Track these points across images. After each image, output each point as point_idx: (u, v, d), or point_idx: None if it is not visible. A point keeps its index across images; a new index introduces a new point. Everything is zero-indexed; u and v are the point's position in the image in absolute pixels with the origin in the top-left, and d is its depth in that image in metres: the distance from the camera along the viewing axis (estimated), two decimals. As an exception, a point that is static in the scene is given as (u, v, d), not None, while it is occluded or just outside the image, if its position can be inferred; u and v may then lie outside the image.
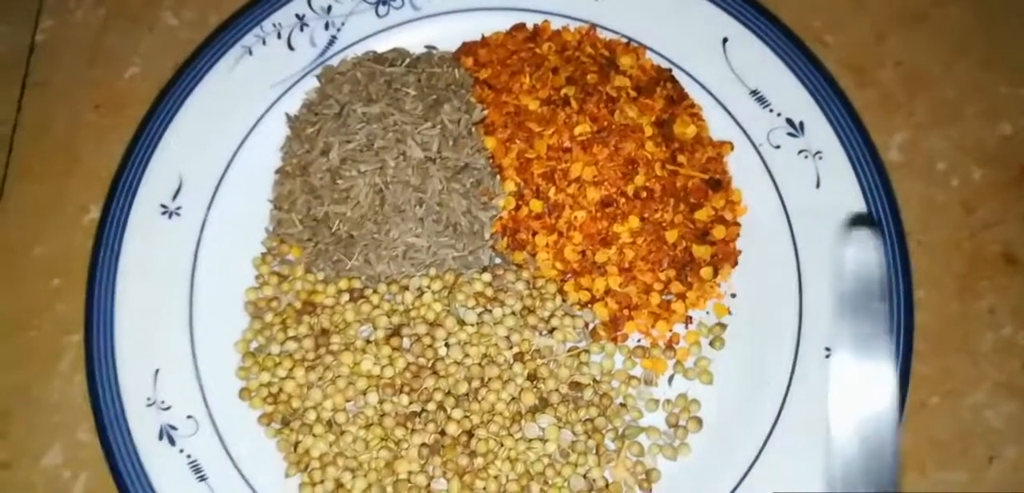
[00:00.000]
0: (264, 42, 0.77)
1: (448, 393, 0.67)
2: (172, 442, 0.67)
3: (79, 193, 0.77)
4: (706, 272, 0.69)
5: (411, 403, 0.67)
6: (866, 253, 0.52)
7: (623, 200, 0.69)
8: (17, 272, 0.75)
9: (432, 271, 0.70)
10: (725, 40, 0.74)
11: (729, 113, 0.73)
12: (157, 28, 0.83)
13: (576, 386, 0.67)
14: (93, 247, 0.72)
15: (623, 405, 0.68)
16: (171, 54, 0.80)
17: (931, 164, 0.74)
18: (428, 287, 0.70)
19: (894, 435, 0.50)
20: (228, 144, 0.75)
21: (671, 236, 0.69)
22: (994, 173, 0.74)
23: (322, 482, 0.66)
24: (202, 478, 0.66)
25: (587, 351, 0.69)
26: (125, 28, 0.83)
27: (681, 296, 0.69)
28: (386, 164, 0.70)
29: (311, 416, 0.67)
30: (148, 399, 0.68)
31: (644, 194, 0.69)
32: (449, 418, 0.66)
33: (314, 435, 0.67)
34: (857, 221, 0.68)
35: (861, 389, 0.51)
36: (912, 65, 0.77)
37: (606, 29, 0.76)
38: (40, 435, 0.70)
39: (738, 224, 0.70)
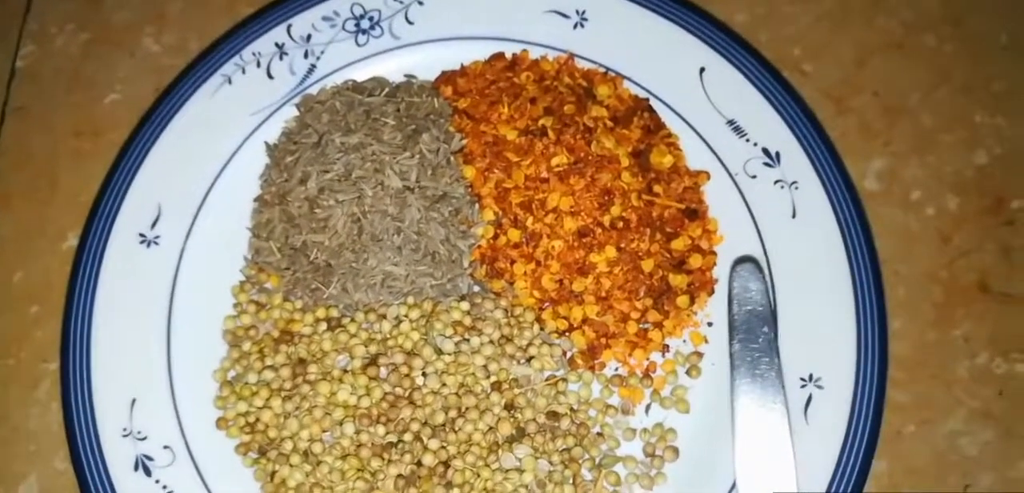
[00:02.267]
0: (244, 71, 0.77)
1: (425, 423, 0.67)
2: (148, 473, 0.66)
3: (58, 219, 0.77)
4: (683, 301, 0.69)
5: (387, 433, 0.67)
6: (752, 284, 0.64)
7: (600, 230, 0.69)
8: (-5, 298, 0.75)
9: (410, 300, 0.70)
10: (702, 70, 0.75)
11: (706, 142, 0.73)
12: (138, 54, 0.83)
13: (553, 416, 0.67)
14: (70, 275, 0.72)
15: (600, 434, 0.68)
16: (152, 80, 0.80)
17: (907, 193, 0.74)
18: (406, 316, 0.70)
19: (788, 439, 0.63)
20: (207, 172, 0.75)
21: (648, 265, 0.69)
22: (970, 202, 0.74)
23: (298, 513, 0.66)
24: (178, 509, 0.66)
25: (565, 380, 0.69)
26: (106, 54, 0.83)
27: (658, 325, 0.69)
28: (364, 193, 0.70)
29: (288, 446, 0.67)
30: (124, 429, 0.67)
31: (620, 224, 0.69)
32: (425, 449, 0.66)
33: (291, 465, 0.67)
34: (743, 259, 0.69)
35: (758, 404, 0.64)
36: (890, 93, 0.78)
37: (584, 58, 0.76)
38: (17, 464, 0.70)
39: (714, 253, 0.71)
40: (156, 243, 0.73)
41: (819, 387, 0.65)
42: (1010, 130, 0.76)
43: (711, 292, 0.70)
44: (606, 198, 0.69)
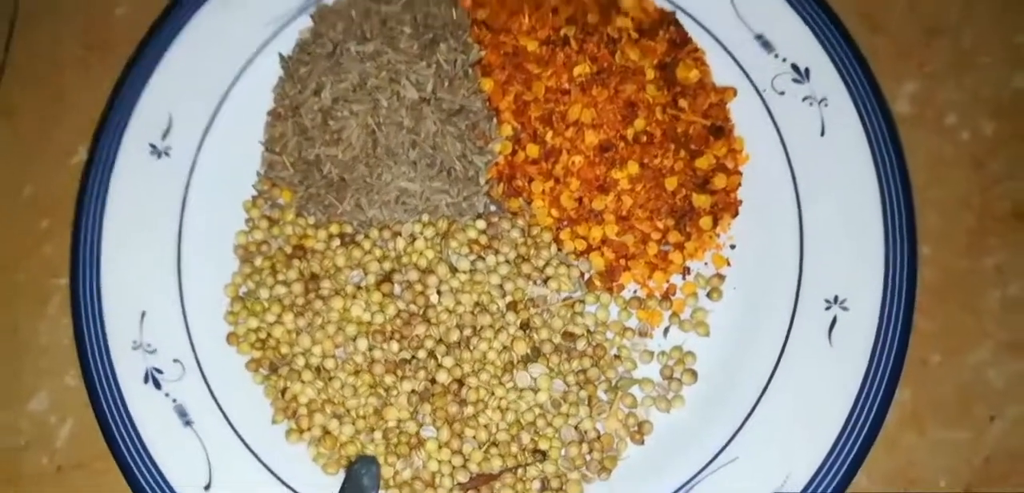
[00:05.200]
0: (257, -21, 0.75)
1: (439, 341, 0.66)
2: (157, 386, 0.66)
3: (68, 133, 0.76)
4: (705, 222, 0.67)
5: (401, 350, 0.66)
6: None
7: (622, 145, 0.67)
8: (5, 213, 0.74)
9: (425, 217, 0.69)
10: (730, -18, 0.72)
11: (733, 58, 0.71)
12: (148, -35, 0.81)
13: (569, 336, 0.66)
14: (79, 188, 0.71)
15: (617, 356, 0.66)
16: (162, -9, 0.78)
17: (942, 117, 0.72)
18: (420, 233, 0.68)
19: None
20: (219, 83, 0.73)
21: (670, 184, 0.67)
22: (1007, 127, 0.71)
23: (310, 429, 0.65)
24: (188, 423, 0.65)
25: (582, 301, 0.67)
26: (115, -35, 0.81)
27: (679, 246, 0.67)
28: (379, 104, 0.68)
29: (300, 362, 0.66)
30: (134, 342, 0.67)
31: (644, 139, 0.67)
32: (440, 366, 0.65)
33: (302, 381, 0.66)
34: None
35: None
36: (926, 12, 0.74)
37: (608, -31, 0.74)
38: (27, 379, 0.70)
39: (739, 173, 0.68)
40: (167, 155, 0.71)
41: (844, 308, 0.64)
42: (1052, 52, 0.73)
43: (735, 214, 0.68)
44: (629, 111, 0.67)
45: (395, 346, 0.65)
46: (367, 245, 0.69)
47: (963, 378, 0.66)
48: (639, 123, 0.67)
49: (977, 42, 0.74)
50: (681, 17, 0.72)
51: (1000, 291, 0.67)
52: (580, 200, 0.67)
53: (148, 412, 0.65)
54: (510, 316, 0.66)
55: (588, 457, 0.64)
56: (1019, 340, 0.66)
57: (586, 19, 0.69)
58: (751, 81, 0.70)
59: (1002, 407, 0.65)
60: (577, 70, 0.67)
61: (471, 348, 0.65)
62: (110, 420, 0.65)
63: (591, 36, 0.68)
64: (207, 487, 0.63)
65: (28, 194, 0.75)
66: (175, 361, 0.67)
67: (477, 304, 0.66)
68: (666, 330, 0.67)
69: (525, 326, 0.66)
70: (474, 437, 0.64)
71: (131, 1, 0.80)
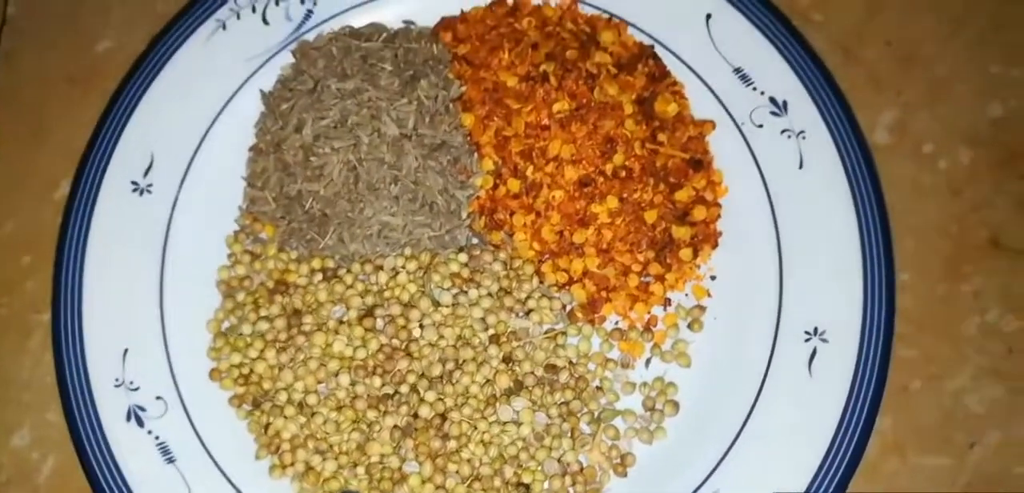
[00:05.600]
0: (238, 16, 0.75)
1: (421, 375, 0.66)
2: (140, 423, 0.66)
3: (50, 168, 0.76)
4: (686, 253, 0.68)
5: (384, 385, 0.66)
6: None
7: (602, 179, 0.67)
8: (-14, 248, 0.74)
9: (407, 251, 0.69)
10: (708, 16, 0.72)
11: (711, 91, 0.71)
12: (129, 0, 0.81)
13: (552, 369, 0.66)
14: (61, 224, 0.71)
15: (599, 388, 0.67)
16: (144, 26, 0.78)
17: (919, 145, 0.72)
18: (403, 267, 0.68)
19: None
20: (201, 120, 0.73)
21: (650, 217, 0.67)
22: (983, 155, 0.72)
23: (293, 464, 0.65)
24: (170, 460, 0.65)
25: (564, 333, 0.67)
26: (98, 0, 0.81)
27: (660, 278, 0.68)
28: (360, 141, 0.68)
29: (282, 397, 0.66)
30: (116, 380, 0.67)
31: (623, 173, 0.67)
32: (422, 400, 0.65)
33: (285, 417, 0.66)
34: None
35: None
36: (902, 43, 0.75)
37: (587, 4, 0.74)
38: (9, 415, 0.69)
39: (719, 205, 0.69)
40: (149, 191, 0.71)
41: (824, 340, 0.64)
42: (1026, 81, 0.74)
43: (715, 245, 0.69)
44: (609, 146, 0.67)
45: (377, 381, 0.66)
46: (349, 279, 0.69)
47: (943, 404, 0.66)
48: (618, 158, 0.67)
49: (953, 72, 0.74)
50: (660, 51, 0.73)
51: (978, 317, 0.68)
52: (561, 233, 0.68)
53: (131, 450, 0.65)
54: (492, 349, 0.66)
55: (571, 490, 0.64)
56: (997, 366, 0.67)
57: (565, 55, 0.70)
58: (730, 114, 0.70)
59: (982, 433, 0.65)
60: (556, 107, 0.68)
61: (454, 382, 0.65)
62: (92, 458, 0.64)
63: (570, 72, 0.69)
64: (190, 524, 0.63)
65: (9, 229, 0.75)
66: (158, 398, 0.67)
67: (459, 338, 0.67)
68: (648, 361, 0.67)
69: (507, 359, 0.66)
70: (457, 472, 0.64)
71: (114, 35, 0.80)
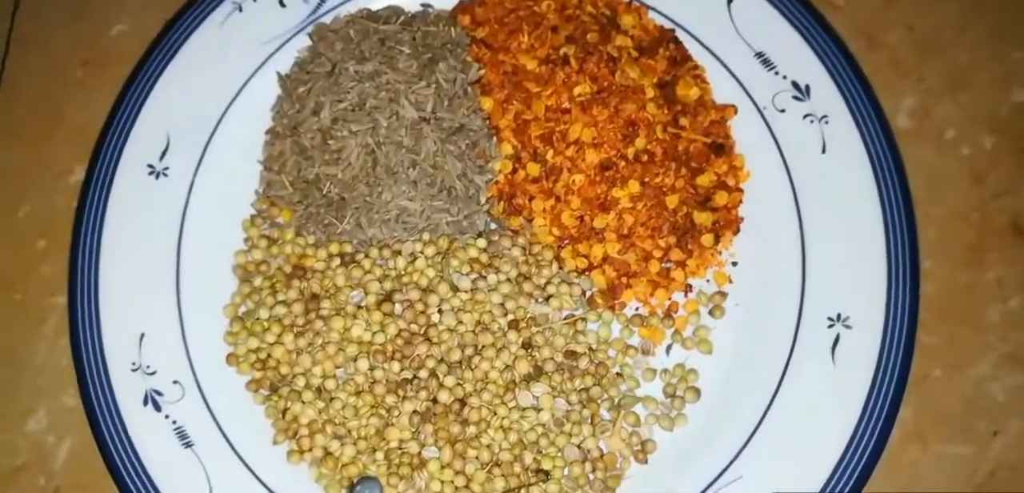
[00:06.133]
0: (255, -2, 0.75)
1: (441, 360, 0.65)
2: (157, 408, 0.65)
3: (64, 153, 0.75)
4: (707, 239, 0.67)
5: (402, 370, 0.65)
6: None
7: (623, 163, 0.67)
8: (2, 233, 0.73)
9: (425, 236, 0.69)
10: (730, 0, 0.72)
11: (733, 75, 0.71)
12: (145, -18, 0.81)
13: (572, 355, 0.66)
14: (77, 208, 0.70)
15: (619, 374, 0.66)
16: (159, 10, 0.77)
17: (941, 132, 0.72)
18: (421, 252, 0.68)
19: None
20: (217, 103, 0.73)
21: (672, 202, 0.67)
22: (1005, 142, 0.71)
23: (311, 449, 0.65)
24: (188, 444, 0.65)
25: (584, 319, 0.67)
26: (112, -17, 0.81)
27: (681, 264, 0.67)
28: (378, 124, 0.68)
29: (300, 382, 0.66)
30: (133, 364, 0.66)
31: (645, 157, 0.67)
32: (441, 386, 0.64)
33: (303, 402, 0.65)
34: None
35: None
36: (924, 29, 0.75)
37: (608, -13, 0.74)
38: (25, 399, 0.69)
39: (741, 190, 0.68)
40: (165, 175, 0.71)
41: (847, 326, 0.64)
42: (1049, 67, 0.73)
43: (737, 231, 0.68)
44: (630, 130, 0.67)
45: (396, 366, 0.65)
46: (367, 264, 0.68)
47: (965, 392, 0.66)
48: (640, 142, 0.67)
49: (974, 58, 0.74)
50: (681, 35, 0.72)
51: (1000, 305, 0.68)
52: (581, 218, 0.67)
53: (148, 434, 0.64)
54: (512, 335, 0.66)
55: (591, 476, 0.63)
56: (1020, 353, 0.66)
57: (586, 38, 0.69)
58: (751, 99, 0.70)
59: (1004, 421, 0.65)
60: (577, 90, 0.67)
61: (473, 367, 0.65)
62: (109, 443, 0.64)
63: (591, 55, 0.68)
64: (208, 509, 0.63)
65: (25, 213, 0.74)
66: (175, 382, 0.66)
67: (478, 323, 0.66)
68: (669, 348, 0.67)
69: (527, 345, 0.66)
70: (476, 457, 0.63)
71: (129, 18, 0.79)
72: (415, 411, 0.64)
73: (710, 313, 0.67)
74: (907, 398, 0.63)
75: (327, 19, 0.74)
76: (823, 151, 0.68)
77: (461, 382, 0.65)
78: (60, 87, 0.78)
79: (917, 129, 0.72)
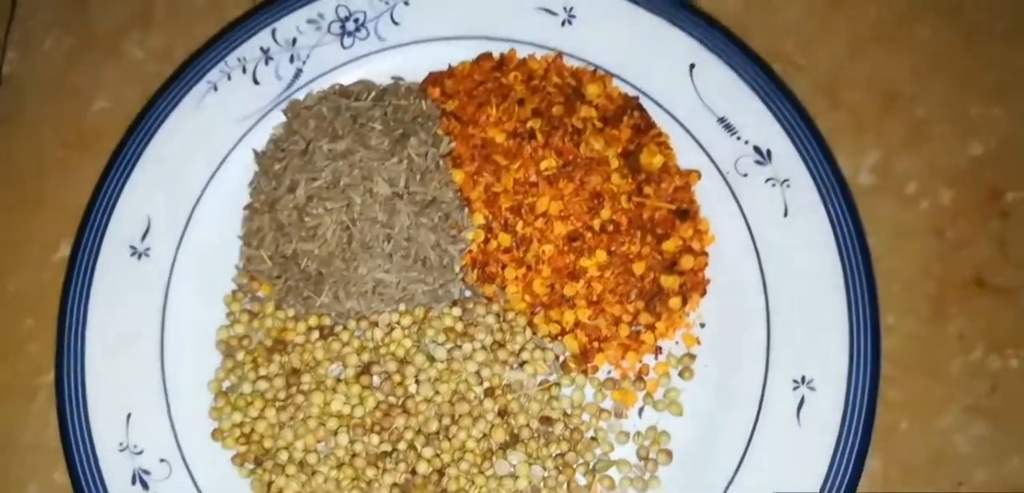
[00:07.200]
0: (229, 77, 0.76)
1: (418, 431, 0.67)
2: (145, 487, 0.67)
3: (49, 229, 0.77)
4: (675, 302, 0.69)
5: (381, 442, 0.67)
6: None
7: (589, 234, 0.69)
8: (-10, 308, 0.75)
9: (402, 306, 0.70)
10: (692, 66, 0.74)
11: (696, 141, 0.72)
12: (123, 60, 0.82)
13: (547, 421, 0.67)
14: (62, 289, 0.72)
15: (594, 438, 0.68)
16: (138, 87, 0.79)
17: (902, 186, 0.73)
18: (398, 323, 0.70)
19: None
20: (196, 181, 0.75)
21: (639, 268, 0.68)
22: (965, 195, 0.73)
23: (295, 523, 0.66)
24: (175, 522, 0.66)
25: (558, 384, 0.69)
26: (91, 61, 0.83)
27: (650, 327, 0.69)
28: (353, 201, 0.70)
29: (283, 456, 0.67)
30: (121, 444, 0.68)
31: (611, 227, 0.69)
32: (420, 457, 0.66)
33: (286, 475, 0.67)
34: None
35: None
36: (884, 86, 0.76)
37: (573, 57, 0.75)
38: (15, 476, 0.70)
39: (706, 254, 0.70)
40: (147, 255, 0.73)
41: (811, 388, 0.65)
42: (1006, 121, 0.75)
43: (703, 293, 0.70)
44: (596, 201, 0.69)
45: (375, 439, 0.67)
46: (345, 336, 0.70)
47: (931, 444, 0.67)
48: (605, 213, 0.68)
49: (933, 113, 0.76)
50: (645, 102, 0.74)
51: (963, 357, 0.69)
52: (552, 286, 0.69)
53: (136, 514, 0.66)
54: (488, 403, 0.67)
55: (568, 541, 0.65)
56: (983, 405, 0.68)
57: (551, 111, 0.71)
58: (714, 164, 0.71)
59: (969, 472, 0.67)
60: (543, 164, 0.69)
61: (450, 437, 0.66)
62: (99, 523, 0.66)
63: (556, 129, 0.70)
64: (196, 586, 0.65)
65: (12, 290, 0.76)
66: (162, 461, 0.68)
67: (455, 392, 0.68)
68: (641, 410, 0.69)
69: (503, 413, 0.67)
70: (455, 527, 0.65)
71: (108, 96, 0.81)
72: (395, 483, 0.66)
73: (680, 375, 0.69)
74: (875, 451, 0.65)
75: (300, 95, 0.76)
76: (785, 214, 0.69)
77: (439, 453, 0.66)
78: (43, 164, 0.79)
79: (879, 185, 0.74)
